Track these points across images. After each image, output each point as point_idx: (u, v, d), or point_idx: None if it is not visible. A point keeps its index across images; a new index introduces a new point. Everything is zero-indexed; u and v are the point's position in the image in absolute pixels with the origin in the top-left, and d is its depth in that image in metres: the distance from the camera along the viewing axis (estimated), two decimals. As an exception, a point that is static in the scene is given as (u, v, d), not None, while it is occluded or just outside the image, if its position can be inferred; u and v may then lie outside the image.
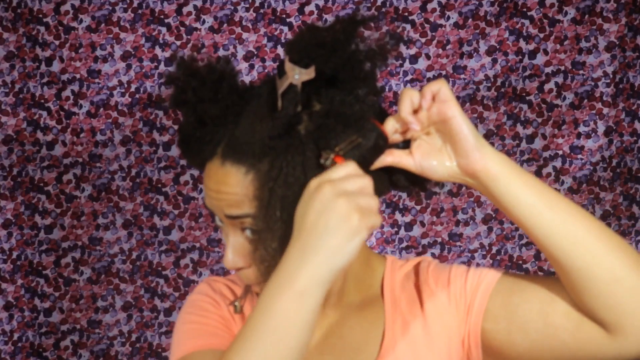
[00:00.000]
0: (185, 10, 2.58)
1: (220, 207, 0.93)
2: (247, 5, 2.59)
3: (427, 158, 0.93)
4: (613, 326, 0.90)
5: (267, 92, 0.91)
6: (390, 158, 0.93)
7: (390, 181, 0.98)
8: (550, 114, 2.68)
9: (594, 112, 2.69)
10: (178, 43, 2.59)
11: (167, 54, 2.59)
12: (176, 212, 2.64)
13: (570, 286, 0.92)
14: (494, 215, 2.71)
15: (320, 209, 0.82)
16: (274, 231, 0.88)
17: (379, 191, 0.92)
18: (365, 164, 0.90)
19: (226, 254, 0.96)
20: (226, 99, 0.91)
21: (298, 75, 0.87)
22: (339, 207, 0.81)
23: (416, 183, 0.98)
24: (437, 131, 0.93)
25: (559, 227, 0.91)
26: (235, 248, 0.95)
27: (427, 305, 1.04)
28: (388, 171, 0.96)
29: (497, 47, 2.65)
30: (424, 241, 2.70)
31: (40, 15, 2.54)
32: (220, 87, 0.92)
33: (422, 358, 1.02)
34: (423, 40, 2.63)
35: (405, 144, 0.94)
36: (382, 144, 0.91)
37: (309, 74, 0.87)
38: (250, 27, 2.60)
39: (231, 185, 0.91)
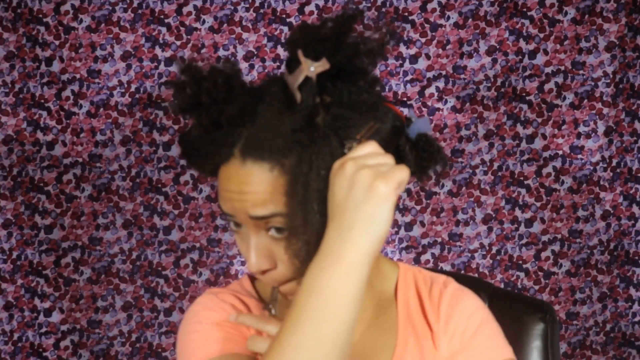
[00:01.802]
0: (185, 10, 2.58)
1: (244, 208, 0.91)
2: (247, 5, 2.59)
3: None
4: None
5: (279, 88, 0.90)
6: None
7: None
8: (550, 114, 2.68)
9: (594, 112, 2.68)
10: (178, 43, 2.58)
11: (167, 54, 2.58)
12: (176, 212, 2.64)
13: None
14: (494, 215, 2.71)
15: (347, 185, 0.83)
16: (312, 224, 0.87)
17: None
18: (387, 148, 0.90)
19: (250, 258, 0.94)
20: (240, 98, 0.90)
21: (313, 67, 0.87)
22: (363, 178, 0.82)
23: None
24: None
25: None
26: (259, 250, 0.93)
27: (444, 338, 1.04)
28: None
29: (497, 47, 2.65)
30: (424, 241, 2.70)
31: (40, 15, 2.53)
32: (232, 88, 0.91)
33: None
34: (423, 40, 2.63)
35: None
36: (400, 125, 0.93)
37: (323, 65, 0.87)
38: (250, 27, 2.60)
39: (255, 184, 0.89)
